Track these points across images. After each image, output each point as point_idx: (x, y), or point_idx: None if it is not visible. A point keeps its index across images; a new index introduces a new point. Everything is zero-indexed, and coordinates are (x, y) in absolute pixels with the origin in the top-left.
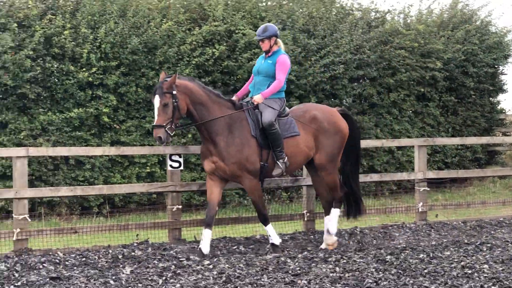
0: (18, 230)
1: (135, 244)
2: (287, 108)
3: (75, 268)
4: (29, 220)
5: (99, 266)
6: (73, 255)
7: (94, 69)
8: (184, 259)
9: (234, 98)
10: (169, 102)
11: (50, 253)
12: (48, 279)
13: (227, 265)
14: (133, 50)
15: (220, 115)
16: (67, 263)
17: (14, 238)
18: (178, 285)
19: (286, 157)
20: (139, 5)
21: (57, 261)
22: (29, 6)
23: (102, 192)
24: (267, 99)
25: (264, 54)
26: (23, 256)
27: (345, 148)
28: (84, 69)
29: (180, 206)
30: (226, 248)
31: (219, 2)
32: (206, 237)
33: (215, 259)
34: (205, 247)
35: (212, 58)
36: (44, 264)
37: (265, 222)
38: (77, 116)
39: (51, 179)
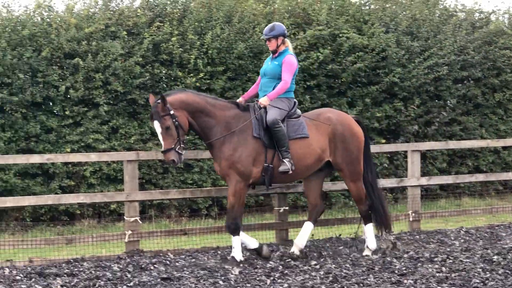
0: (130, 232)
1: (243, 245)
2: (299, 110)
3: (185, 268)
4: (140, 222)
5: (208, 266)
6: (183, 256)
7: (201, 74)
8: (290, 260)
9: (240, 99)
10: (170, 124)
11: (161, 254)
12: (159, 280)
13: (334, 265)
14: (239, 55)
15: (221, 117)
16: (177, 264)
17: (126, 240)
18: (285, 285)
19: (293, 158)
20: (244, 11)
21: (168, 262)
22: (138, 14)
23: (211, 194)
24: (278, 99)
25: (271, 55)
26: (134, 257)
27: (365, 153)
28: (191, 74)
29: (287, 208)
30: (332, 249)
31: (323, 7)
32: (238, 244)
33: (322, 260)
34: (238, 254)
35: (316, 62)
36: (155, 265)
37: (234, 232)
38: None
39: (161, 182)
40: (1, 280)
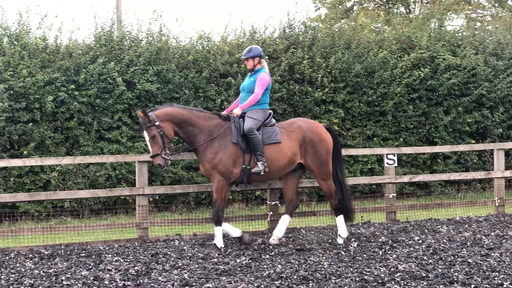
0: (271, 213)
1: (360, 224)
2: (273, 120)
3: (314, 242)
4: (279, 205)
5: (329, 241)
6: (312, 232)
7: (326, 89)
8: (398, 236)
9: (224, 112)
10: (155, 133)
11: (295, 230)
12: (294, 250)
13: (433, 241)
14: (356, 74)
15: (205, 126)
16: (308, 238)
17: (268, 219)
18: (394, 255)
19: (267, 160)
20: (360, 39)
21: (301, 236)
22: (277, 42)
23: None
24: (251, 110)
25: (249, 73)
26: None
27: (335, 157)
28: (318, 89)
29: (395, 194)
30: (432, 227)
31: (424, 35)
32: (221, 233)
33: (423, 236)
34: (218, 241)
35: (418, 79)
36: (290, 239)
37: (217, 222)
38: None
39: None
40: (173, 249)
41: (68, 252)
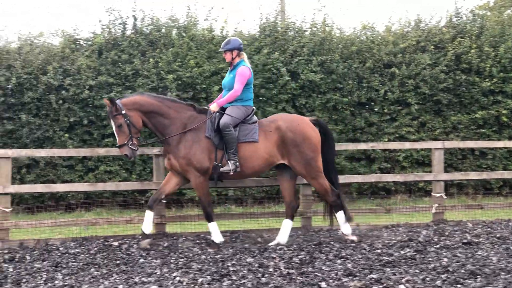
0: (436, 205)
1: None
2: (255, 117)
3: (481, 236)
4: (444, 197)
5: (505, 235)
6: (479, 226)
7: (495, 80)
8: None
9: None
10: (122, 122)
11: (461, 223)
12: (460, 244)
13: None
14: None
15: (176, 117)
16: (474, 231)
17: (433, 211)
18: None
19: (240, 159)
20: None
21: (467, 230)
22: (443, 32)
23: (503, 176)
24: (232, 107)
25: (229, 68)
26: (440, 225)
27: (325, 152)
28: (486, 79)
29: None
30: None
31: None
32: (147, 218)
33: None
34: (145, 227)
35: None
36: (456, 232)
37: (208, 219)
38: (481, 117)
39: (460, 166)
40: (336, 238)
41: (233, 239)
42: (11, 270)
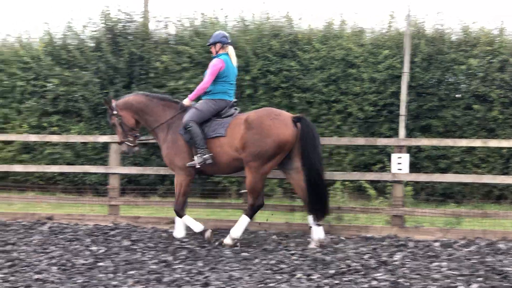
0: None
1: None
2: (233, 110)
3: None
4: None
5: None
6: None
7: None
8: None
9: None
10: (115, 122)
11: None
12: None
13: None
14: None
15: (162, 116)
16: None
17: None
18: None
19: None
20: None
21: None
22: None
23: None
24: (201, 101)
25: None
26: None
27: (303, 151)
28: None
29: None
30: None
31: None
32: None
33: None
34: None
35: None
36: None
37: (179, 215)
38: None
39: None
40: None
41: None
42: None
